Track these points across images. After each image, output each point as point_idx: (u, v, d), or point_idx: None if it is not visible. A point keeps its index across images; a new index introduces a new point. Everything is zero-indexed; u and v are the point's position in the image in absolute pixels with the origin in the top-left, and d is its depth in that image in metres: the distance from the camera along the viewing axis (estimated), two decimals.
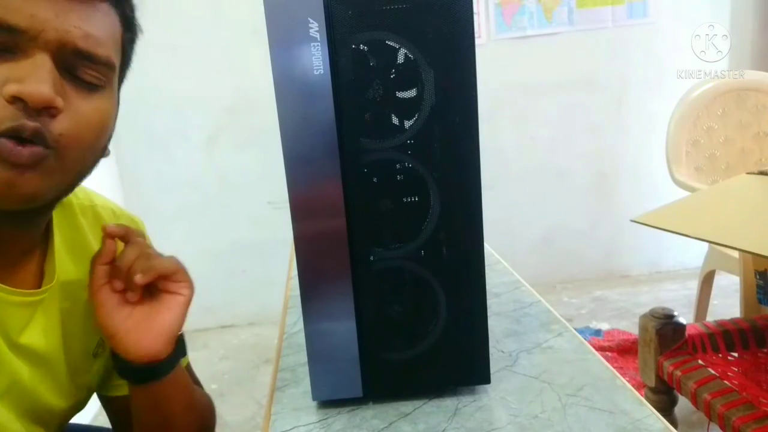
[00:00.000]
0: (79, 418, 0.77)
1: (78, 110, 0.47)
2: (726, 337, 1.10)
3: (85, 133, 0.48)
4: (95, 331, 0.60)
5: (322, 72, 0.55)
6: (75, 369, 0.59)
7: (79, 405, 0.63)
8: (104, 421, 0.79)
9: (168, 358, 0.59)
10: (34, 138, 0.44)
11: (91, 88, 0.48)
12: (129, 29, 0.53)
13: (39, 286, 0.55)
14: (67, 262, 0.58)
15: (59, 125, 0.46)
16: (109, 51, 0.49)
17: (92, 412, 1.92)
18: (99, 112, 0.49)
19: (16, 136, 0.43)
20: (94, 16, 0.47)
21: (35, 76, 0.43)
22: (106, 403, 0.70)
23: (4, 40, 0.43)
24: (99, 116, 0.49)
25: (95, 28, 0.47)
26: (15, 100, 0.43)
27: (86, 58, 0.47)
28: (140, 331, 0.56)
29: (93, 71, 0.48)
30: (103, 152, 0.53)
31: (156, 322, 0.57)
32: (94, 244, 0.62)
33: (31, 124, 0.44)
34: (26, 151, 0.44)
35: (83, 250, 0.61)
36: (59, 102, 0.45)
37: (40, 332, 0.54)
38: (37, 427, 0.56)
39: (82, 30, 0.46)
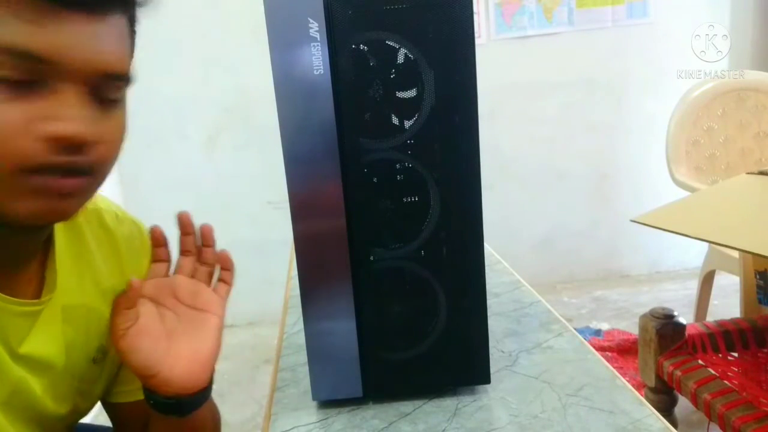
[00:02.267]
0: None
1: (106, 131, 0.47)
2: (726, 337, 1.10)
3: (115, 151, 0.49)
4: (95, 337, 0.60)
5: (322, 72, 0.55)
6: (77, 376, 0.59)
7: (83, 412, 0.63)
8: (104, 420, 0.79)
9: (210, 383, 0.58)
10: (75, 171, 0.44)
11: (113, 104, 0.48)
12: (134, 26, 0.52)
13: (39, 294, 0.55)
14: (68, 269, 0.58)
15: (94, 154, 0.45)
16: (129, 64, 0.48)
17: (93, 410, 1.92)
18: (121, 125, 0.50)
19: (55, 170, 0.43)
20: (112, 33, 0.45)
21: (71, 116, 0.42)
22: (109, 409, 0.70)
23: (30, 70, 0.41)
24: (122, 130, 0.50)
25: (116, 46, 0.46)
26: (50, 139, 0.42)
27: (113, 79, 0.46)
28: (184, 363, 0.54)
29: (117, 89, 0.47)
30: None
31: (198, 350, 0.55)
32: (96, 250, 0.61)
33: (64, 159, 0.43)
34: (71, 183, 0.44)
35: (85, 256, 0.60)
36: (93, 136, 0.44)
37: (41, 341, 0.54)
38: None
39: (107, 53, 0.44)
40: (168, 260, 0.58)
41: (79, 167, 0.44)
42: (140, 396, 0.64)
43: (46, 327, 0.54)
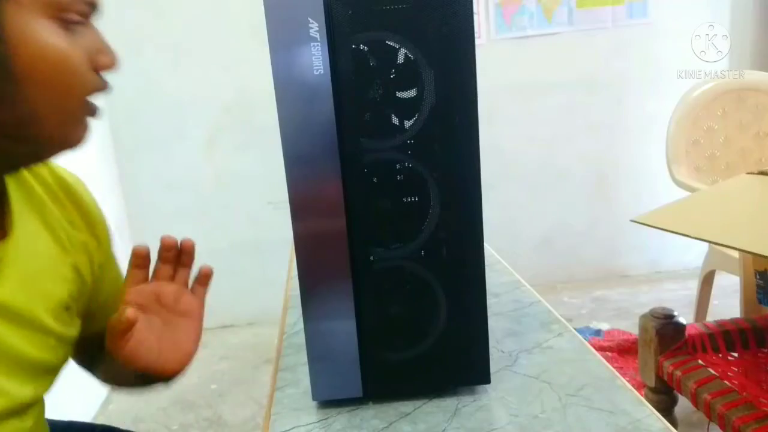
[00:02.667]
0: (80, 417, 0.77)
1: None
2: (726, 337, 1.10)
3: None
4: (62, 285, 0.60)
5: (322, 72, 0.55)
6: (55, 321, 0.59)
7: (63, 358, 0.63)
8: (104, 421, 0.79)
9: None
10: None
11: None
12: None
13: None
14: (21, 215, 0.57)
15: None
16: None
17: (93, 410, 1.92)
18: None
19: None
20: None
21: (108, 47, 0.51)
22: None
23: (87, 13, 0.49)
24: None
25: None
26: (102, 68, 0.50)
27: None
28: (174, 358, 0.60)
29: None
30: None
31: (184, 347, 0.61)
32: (44, 199, 0.61)
33: (106, 84, 0.52)
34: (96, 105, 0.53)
35: (35, 204, 0.60)
36: None
37: (8, 288, 0.53)
38: (23, 381, 0.56)
39: None
40: (147, 267, 0.60)
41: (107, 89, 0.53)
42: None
43: (12, 272, 0.54)
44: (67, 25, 0.46)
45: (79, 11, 0.47)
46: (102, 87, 0.51)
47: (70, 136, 0.51)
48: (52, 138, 0.50)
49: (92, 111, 0.52)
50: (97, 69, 0.50)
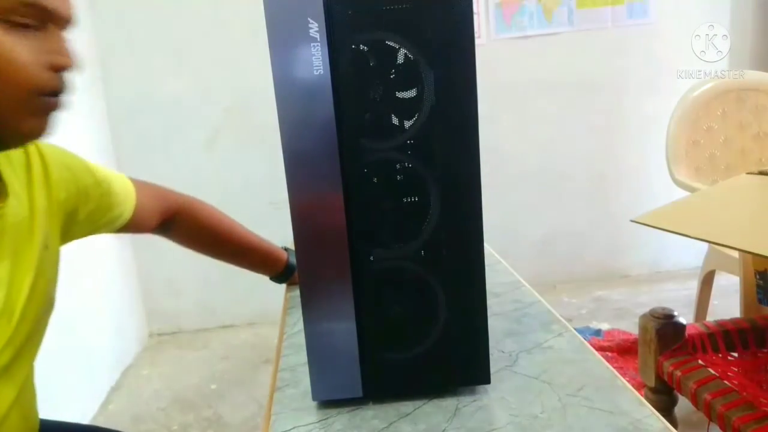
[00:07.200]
0: (79, 417, 0.77)
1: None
2: (726, 337, 1.10)
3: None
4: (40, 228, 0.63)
5: (322, 72, 0.55)
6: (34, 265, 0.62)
7: (52, 300, 0.68)
8: (104, 421, 0.79)
9: None
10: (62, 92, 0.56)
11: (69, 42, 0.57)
12: None
13: None
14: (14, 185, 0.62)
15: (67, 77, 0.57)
16: None
17: (92, 411, 1.92)
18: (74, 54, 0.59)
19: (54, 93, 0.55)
20: None
21: (66, 50, 0.55)
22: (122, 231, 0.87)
23: (35, 16, 0.52)
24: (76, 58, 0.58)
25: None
26: (57, 68, 0.54)
27: (72, 23, 0.57)
28: None
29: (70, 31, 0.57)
30: None
31: None
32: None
33: (62, 83, 0.55)
34: (59, 101, 0.56)
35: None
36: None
37: None
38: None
39: (72, 4, 0.56)
40: None
41: (64, 88, 0.56)
42: (128, 214, 0.84)
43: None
44: (11, 26, 0.50)
45: (25, 15, 0.51)
46: (57, 86, 0.55)
47: (22, 127, 0.54)
48: (4, 126, 0.53)
49: (50, 107, 0.55)
50: (53, 69, 0.53)
